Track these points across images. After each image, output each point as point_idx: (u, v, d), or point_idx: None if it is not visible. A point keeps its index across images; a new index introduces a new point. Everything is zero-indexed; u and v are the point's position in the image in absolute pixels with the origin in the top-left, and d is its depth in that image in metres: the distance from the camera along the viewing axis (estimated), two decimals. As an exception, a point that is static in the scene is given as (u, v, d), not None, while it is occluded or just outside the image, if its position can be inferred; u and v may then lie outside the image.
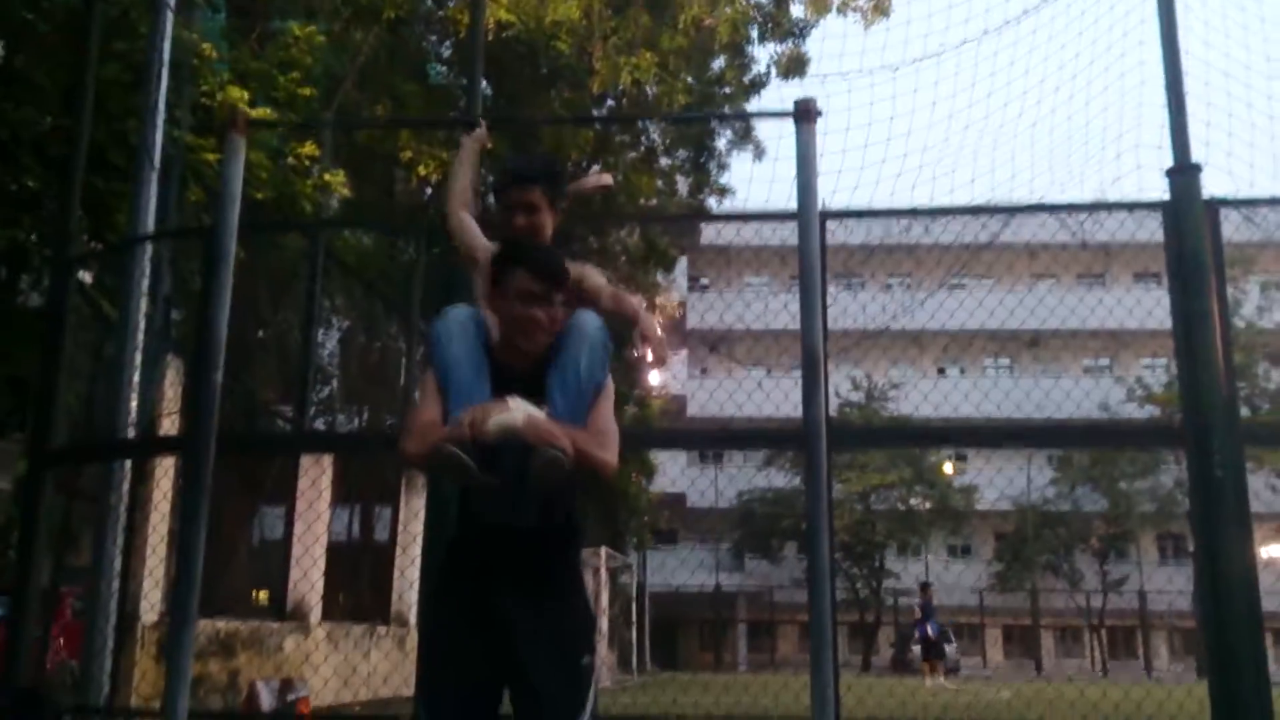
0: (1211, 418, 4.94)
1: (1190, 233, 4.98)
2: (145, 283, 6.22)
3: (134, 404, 6.30)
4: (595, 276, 3.18)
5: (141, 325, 6.28)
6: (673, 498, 32.26)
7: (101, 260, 7.40)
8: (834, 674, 4.50)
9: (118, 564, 6.03)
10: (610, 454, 2.62)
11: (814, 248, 3.65)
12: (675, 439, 13.85)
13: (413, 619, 13.10)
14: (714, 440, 7.44)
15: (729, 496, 35.51)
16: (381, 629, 12.22)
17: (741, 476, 35.85)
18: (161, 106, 6.54)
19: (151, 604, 7.01)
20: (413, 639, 13.15)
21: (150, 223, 6.43)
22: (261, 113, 8.01)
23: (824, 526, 3.56)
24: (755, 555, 37.29)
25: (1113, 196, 5.36)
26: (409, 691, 11.45)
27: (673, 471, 31.31)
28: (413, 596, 13.20)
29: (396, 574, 12.97)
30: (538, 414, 2.50)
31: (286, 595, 10.47)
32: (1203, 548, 4.98)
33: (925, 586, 21.84)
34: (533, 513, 2.64)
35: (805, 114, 3.53)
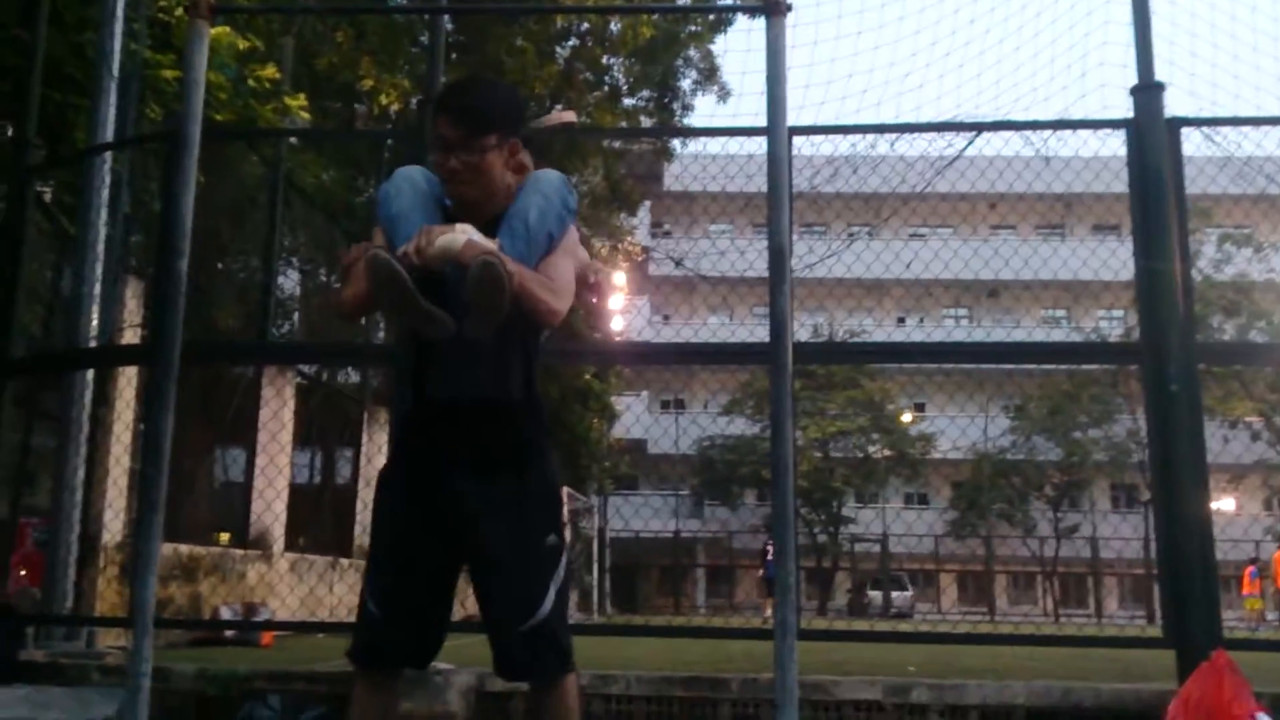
0: (1168, 333, 5.05)
1: (1152, 150, 5.06)
2: (105, 194, 6.12)
3: (95, 320, 6.24)
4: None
5: (102, 240, 6.19)
6: (633, 443, 32.43)
7: (59, 179, 7.28)
8: (796, 566, 4.61)
9: (80, 474, 5.99)
10: (555, 298, 2.42)
11: (781, 151, 3.65)
12: (635, 356, 13.66)
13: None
14: (678, 355, 7.51)
15: (689, 443, 35.75)
16: (344, 561, 12.23)
17: (701, 422, 36.09)
18: (120, 16, 6.40)
19: (116, 512, 6.98)
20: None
21: (109, 136, 6.32)
22: (221, 30, 7.87)
23: (788, 428, 3.57)
24: (715, 502, 37.66)
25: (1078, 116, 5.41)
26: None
27: (633, 417, 31.42)
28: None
29: (360, 507, 12.97)
30: (485, 241, 2.32)
31: (249, 527, 10.44)
32: (1157, 465, 5.12)
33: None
34: (486, 384, 2.49)
35: (775, 6, 3.51)
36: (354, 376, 13.81)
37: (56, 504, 6.04)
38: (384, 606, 2.52)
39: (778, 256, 3.61)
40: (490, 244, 2.33)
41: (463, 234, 2.31)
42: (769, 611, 19.63)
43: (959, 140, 5.43)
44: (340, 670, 5.30)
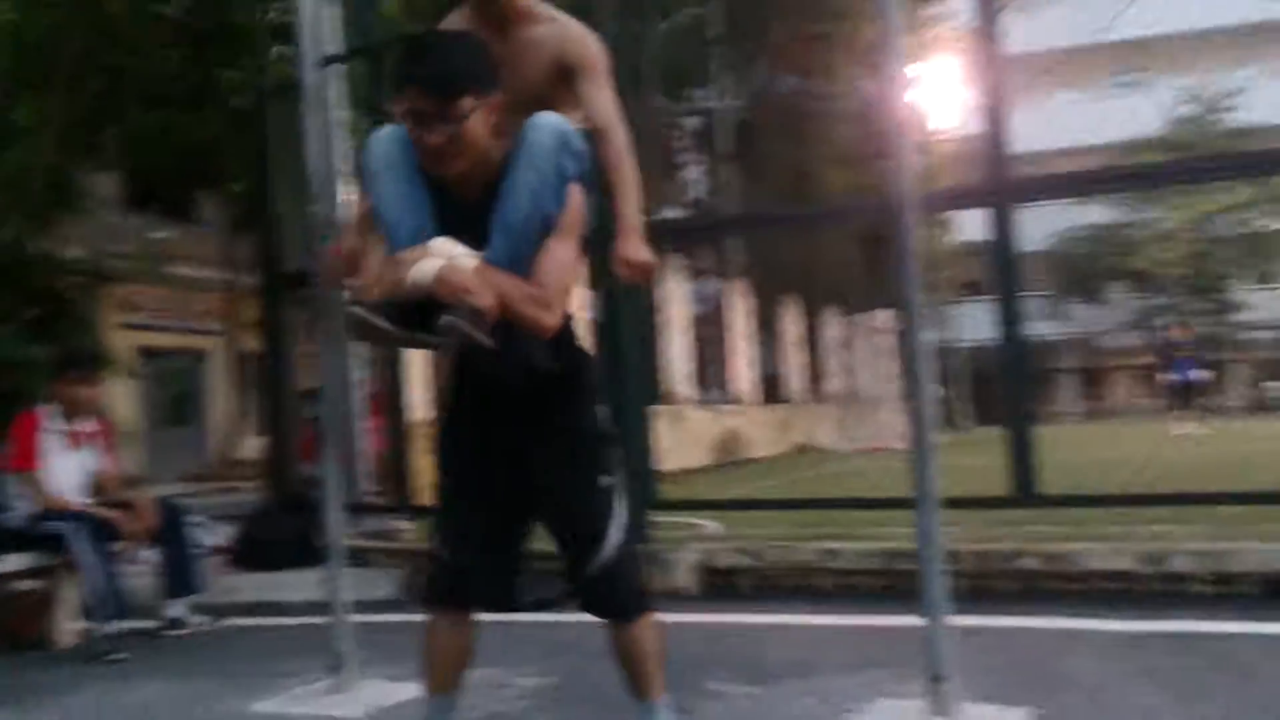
0: None
1: None
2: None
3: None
4: None
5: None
6: (975, 246, 30.63)
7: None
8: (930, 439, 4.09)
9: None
10: (548, 312, 2.27)
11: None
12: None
13: (678, 394, 13.58)
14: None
15: (1040, 238, 33.11)
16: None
17: (1053, 215, 33.21)
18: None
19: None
20: (681, 417, 13.65)
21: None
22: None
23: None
24: (1077, 299, 35.03)
25: None
26: (678, 463, 11.95)
27: (971, 216, 29.55)
28: (674, 376, 13.64)
29: (658, 353, 13.40)
30: (462, 261, 2.19)
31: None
32: None
33: (1181, 325, 19.95)
34: (513, 372, 2.41)
35: None
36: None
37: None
38: (454, 551, 2.60)
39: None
40: (469, 259, 2.20)
41: (435, 259, 2.17)
42: (1184, 427, 16.77)
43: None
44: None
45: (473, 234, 2.28)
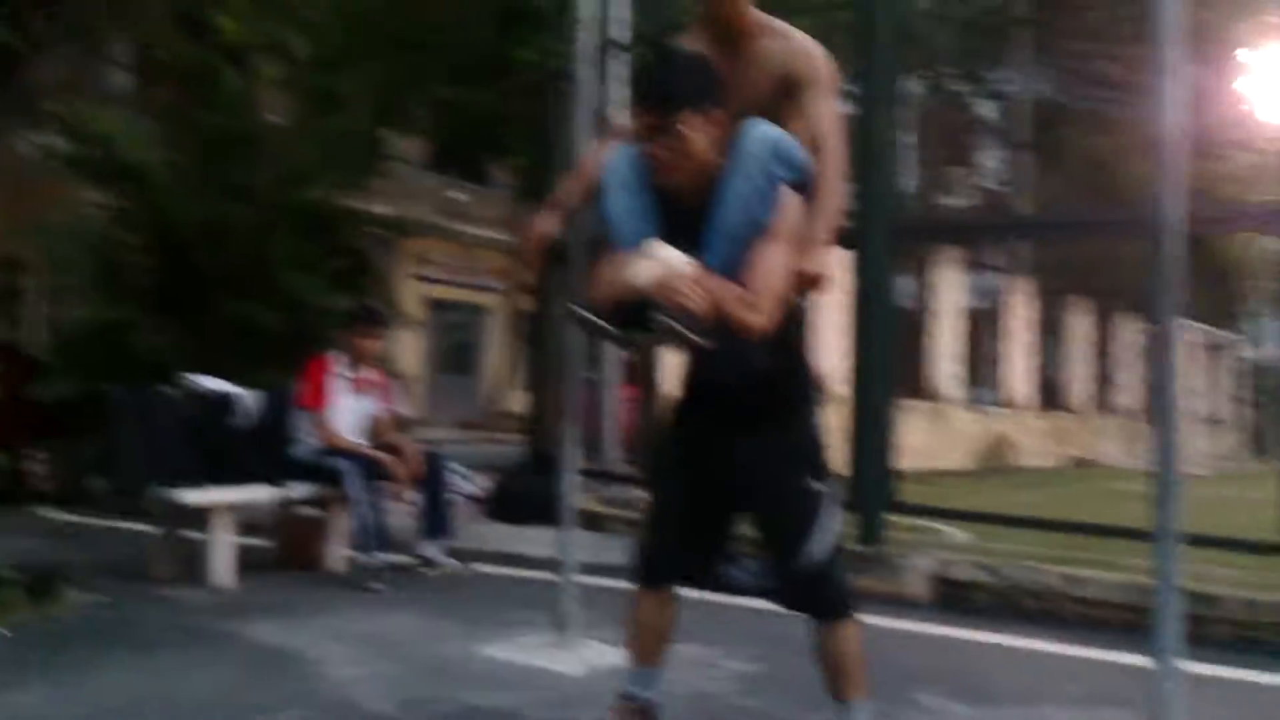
0: None
1: None
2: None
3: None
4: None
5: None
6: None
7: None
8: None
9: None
10: (756, 314, 2.33)
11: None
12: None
13: (942, 391, 13.09)
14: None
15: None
16: (911, 403, 12.39)
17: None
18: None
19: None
20: (943, 416, 13.15)
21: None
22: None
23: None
24: None
25: None
26: (935, 464, 11.57)
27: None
28: (940, 372, 13.13)
29: (925, 347, 12.95)
30: (678, 265, 2.29)
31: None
32: None
33: None
34: (731, 368, 2.50)
35: None
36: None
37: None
38: (659, 533, 2.74)
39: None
40: (681, 267, 2.29)
41: (653, 263, 2.30)
42: None
43: None
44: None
45: (695, 240, 2.40)
